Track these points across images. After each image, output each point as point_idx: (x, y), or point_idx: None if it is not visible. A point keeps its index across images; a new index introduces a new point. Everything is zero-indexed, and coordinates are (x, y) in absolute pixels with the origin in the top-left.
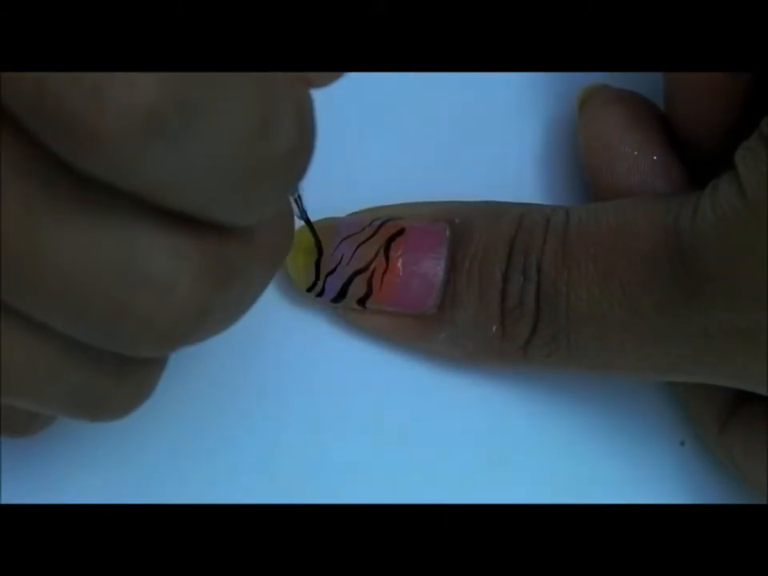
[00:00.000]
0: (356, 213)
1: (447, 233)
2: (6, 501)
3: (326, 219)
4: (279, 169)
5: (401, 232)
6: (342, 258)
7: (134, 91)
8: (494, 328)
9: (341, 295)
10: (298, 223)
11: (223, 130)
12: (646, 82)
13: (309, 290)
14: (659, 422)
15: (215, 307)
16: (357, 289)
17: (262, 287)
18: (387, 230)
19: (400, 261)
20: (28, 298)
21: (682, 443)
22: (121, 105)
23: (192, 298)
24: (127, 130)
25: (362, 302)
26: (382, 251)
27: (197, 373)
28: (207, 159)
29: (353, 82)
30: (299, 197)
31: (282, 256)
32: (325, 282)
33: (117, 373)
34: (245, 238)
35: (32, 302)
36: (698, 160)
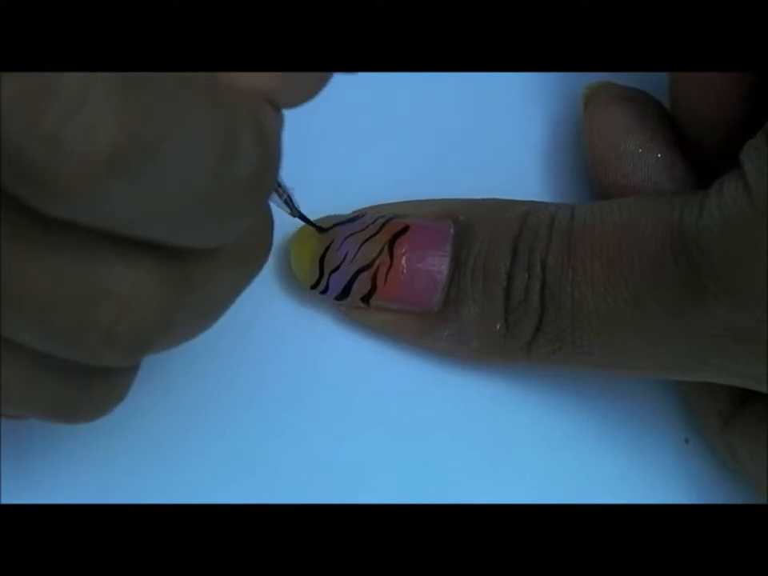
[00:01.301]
0: (360, 210)
1: (451, 230)
2: (5, 501)
3: (329, 217)
4: (241, 195)
5: (405, 229)
6: (345, 256)
7: (93, 137)
8: (498, 325)
9: (345, 293)
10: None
11: (184, 164)
12: (650, 80)
13: (313, 287)
14: (663, 419)
15: (176, 318)
16: (361, 286)
17: (235, 295)
18: (391, 227)
19: (404, 258)
20: None
21: (687, 440)
22: (80, 152)
23: (149, 310)
24: (87, 177)
25: (365, 299)
26: (386, 248)
27: (199, 371)
28: (168, 194)
29: (356, 81)
30: (289, 197)
31: (257, 264)
32: (329, 279)
33: (87, 381)
34: (209, 251)
35: (2, 323)
36: (702, 158)
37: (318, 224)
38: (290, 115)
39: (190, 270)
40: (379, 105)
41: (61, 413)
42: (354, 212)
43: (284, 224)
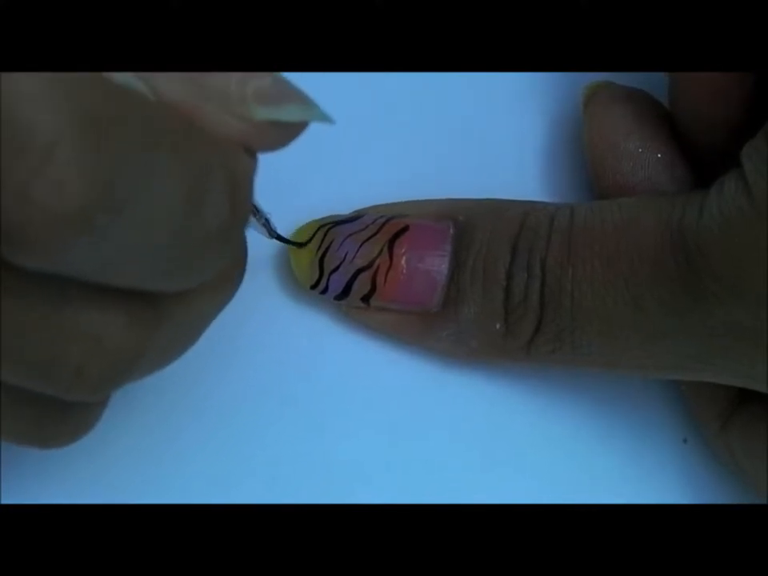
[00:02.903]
0: (360, 210)
1: (451, 230)
2: (5, 501)
3: (329, 216)
4: (210, 245)
5: (404, 229)
6: (345, 256)
7: (61, 193)
8: (498, 325)
9: (345, 292)
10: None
11: (152, 218)
12: (650, 80)
13: (312, 287)
14: (662, 419)
15: (146, 352)
16: (361, 286)
17: (208, 322)
18: (391, 227)
19: (404, 258)
20: None
21: (685, 440)
22: (48, 208)
23: (120, 349)
24: (55, 232)
25: (365, 299)
26: (385, 249)
27: (198, 371)
28: (136, 247)
29: (356, 81)
30: (267, 221)
31: (230, 291)
32: (328, 279)
33: (61, 412)
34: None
35: None
36: (702, 158)
37: (295, 240)
38: None
39: (162, 306)
40: (379, 105)
41: (34, 440)
42: (353, 212)
43: (283, 224)
